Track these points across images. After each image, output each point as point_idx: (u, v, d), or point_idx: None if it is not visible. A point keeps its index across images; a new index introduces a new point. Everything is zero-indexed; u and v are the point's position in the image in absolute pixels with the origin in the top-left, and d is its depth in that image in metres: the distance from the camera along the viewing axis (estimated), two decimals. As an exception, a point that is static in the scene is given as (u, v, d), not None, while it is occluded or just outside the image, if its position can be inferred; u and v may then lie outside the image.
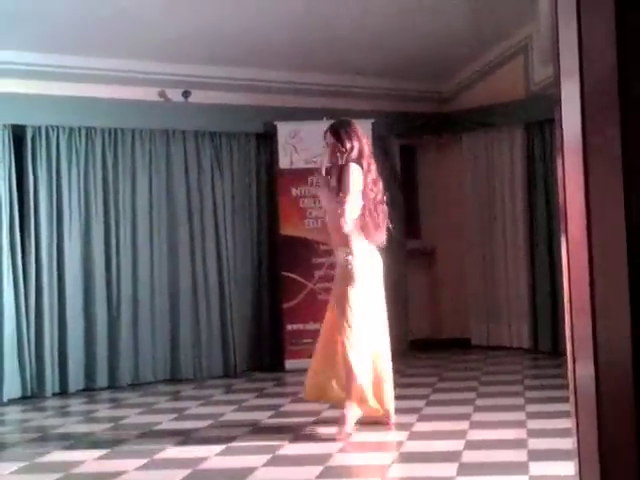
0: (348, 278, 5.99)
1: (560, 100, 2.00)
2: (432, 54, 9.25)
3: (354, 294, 5.94)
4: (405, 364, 8.97)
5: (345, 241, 6.05)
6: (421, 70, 9.65)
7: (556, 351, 8.74)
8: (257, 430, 6.10)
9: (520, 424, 5.80)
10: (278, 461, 5.18)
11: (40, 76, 8.05)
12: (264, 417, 6.53)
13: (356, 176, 6.02)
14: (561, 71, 1.97)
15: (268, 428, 6.16)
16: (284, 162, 9.12)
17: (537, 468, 4.68)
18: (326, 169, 6.21)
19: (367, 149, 6.16)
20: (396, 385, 7.66)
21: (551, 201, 9.09)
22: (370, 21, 8.41)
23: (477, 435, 5.54)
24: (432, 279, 10.31)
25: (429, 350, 9.61)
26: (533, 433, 5.50)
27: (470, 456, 5.02)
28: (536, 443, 5.23)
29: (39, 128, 8.08)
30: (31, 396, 7.82)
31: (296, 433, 5.87)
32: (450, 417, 6.17)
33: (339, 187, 6.05)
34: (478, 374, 8.10)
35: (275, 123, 9.12)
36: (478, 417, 6.11)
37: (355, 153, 6.08)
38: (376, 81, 9.67)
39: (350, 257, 6.01)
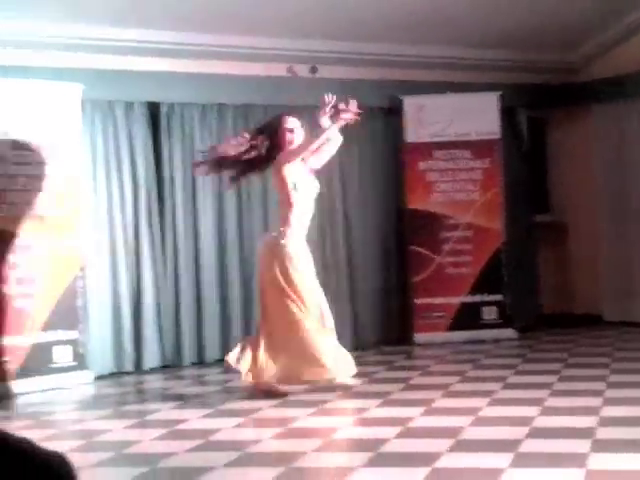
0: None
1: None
2: (561, 23, 9.08)
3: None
4: (536, 339, 8.93)
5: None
6: (549, 40, 9.48)
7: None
8: (388, 402, 6.18)
9: (655, 401, 5.71)
10: (410, 433, 5.25)
11: (174, 54, 8.27)
12: (394, 389, 6.61)
13: None
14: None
15: (398, 400, 6.23)
16: (410, 136, 9.14)
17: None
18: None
19: None
20: (527, 360, 7.67)
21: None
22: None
23: (611, 411, 5.48)
24: (563, 253, 10.17)
25: (559, 325, 9.51)
26: (669, 410, 5.42)
27: (604, 432, 4.98)
28: (672, 420, 5.16)
29: (173, 105, 8.31)
30: (170, 365, 8.13)
31: (427, 406, 5.93)
32: (583, 393, 6.12)
33: None
34: (610, 350, 7.99)
35: (401, 97, 9.14)
36: (612, 394, 6.04)
37: None
38: (503, 53, 9.56)
39: None
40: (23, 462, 1.02)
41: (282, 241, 6.43)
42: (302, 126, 6.69)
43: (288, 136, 6.58)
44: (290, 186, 6.48)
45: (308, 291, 6.45)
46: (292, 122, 6.65)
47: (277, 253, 6.44)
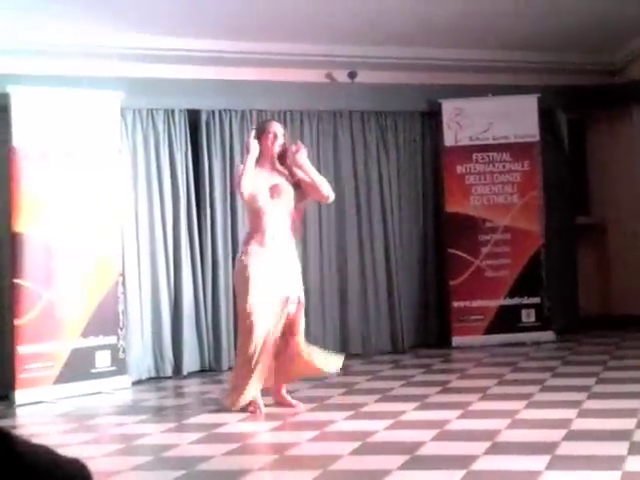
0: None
1: None
2: (600, 24, 9.02)
3: None
4: (575, 341, 8.89)
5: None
6: (588, 41, 9.42)
7: None
8: (425, 405, 6.19)
9: (695, 404, 5.67)
10: (447, 435, 5.26)
11: (214, 62, 8.35)
12: (432, 392, 6.62)
13: None
14: None
15: (436, 404, 6.24)
16: (449, 140, 9.15)
17: None
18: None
19: None
20: (565, 362, 7.63)
21: None
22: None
23: (650, 414, 5.45)
24: (603, 255, 10.10)
25: (599, 328, 9.45)
26: None
27: (642, 435, 4.96)
28: None
29: (213, 112, 8.40)
30: (209, 369, 8.21)
31: (464, 409, 5.93)
32: (621, 395, 6.07)
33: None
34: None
35: (440, 101, 9.14)
36: (651, 396, 6.00)
37: None
38: (541, 55, 9.52)
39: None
40: (42, 474, 1.04)
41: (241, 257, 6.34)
42: (284, 135, 6.49)
43: (269, 141, 6.35)
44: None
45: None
46: (275, 127, 6.44)
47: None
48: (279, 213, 6.27)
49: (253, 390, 6.20)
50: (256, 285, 6.11)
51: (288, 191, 6.34)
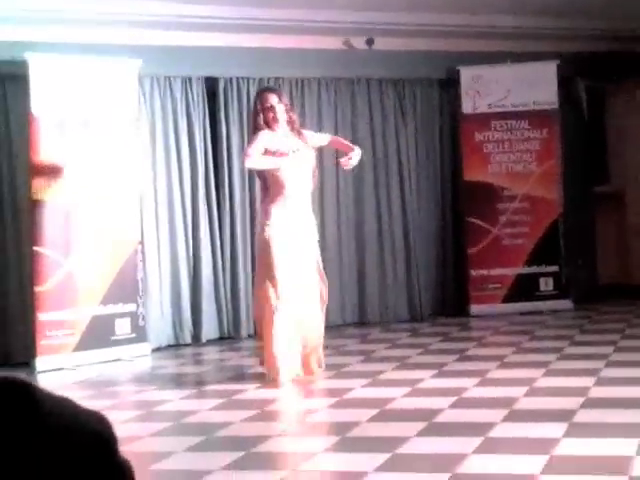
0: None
1: None
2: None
3: None
4: (593, 310, 8.87)
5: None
6: (608, 8, 9.31)
7: None
8: (442, 373, 6.21)
9: None
10: (464, 403, 5.28)
11: (231, 29, 8.31)
12: (449, 360, 6.64)
13: None
14: None
15: (454, 371, 6.26)
16: (467, 107, 9.09)
17: None
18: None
19: None
20: (583, 331, 7.64)
21: None
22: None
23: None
24: (621, 223, 10.05)
25: (618, 296, 9.43)
26: None
27: (660, 403, 4.96)
28: None
29: (230, 79, 8.38)
30: (227, 337, 8.26)
31: (482, 377, 5.95)
32: (639, 363, 6.08)
33: None
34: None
35: (458, 68, 9.09)
36: (669, 364, 6.01)
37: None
38: (561, 21, 9.41)
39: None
40: (60, 427, 1.05)
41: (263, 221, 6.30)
42: (282, 101, 6.31)
43: (269, 115, 6.22)
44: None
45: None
46: (269, 99, 6.26)
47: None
48: (299, 177, 6.21)
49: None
50: (278, 249, 6.06)
51: (307, 154, 6.29)
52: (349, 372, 6.44)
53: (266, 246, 6.08)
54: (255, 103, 6.41)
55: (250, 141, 6.36)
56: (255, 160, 6.13)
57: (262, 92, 6.46)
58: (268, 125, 6.23)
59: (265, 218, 6.18)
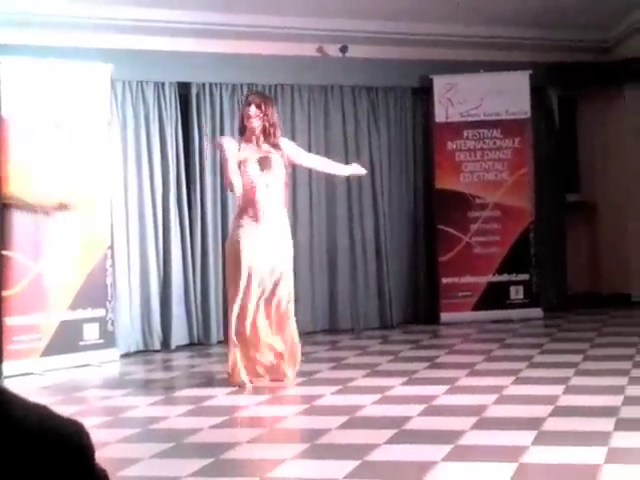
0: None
1: None
2: (593, 1, 8.99)
3: None
4: (563, 318, 8.92)
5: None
6: (581, 19, 9.39)
7: None
8: (413, 381, 6.21)
9: (681, 381, 5.70)
10: (434, 410, 5.28)
11: (204, 34, 8.29)
12: (420, 368, 6.64)
13: None
14: None
15: (424, 379, 6.26)
16: (440, 116, 9.12)
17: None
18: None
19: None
20: (553, 339, 7.68)
21: None
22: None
23: (636, 391, 5.47)
24: (592, 233, 10.12)
25: (588, 305, 9.48)
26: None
27: (628, 411, 4.97)
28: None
29: (203, 85, 8.36)
30: (197, 343, 8.21)
31: (452, 384, 5.95)
32: (608, 372, 6.10)
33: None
34: (638, 330, 7.95)
35: (431, 77, 9.12)
36: (637, 373, 6.02)
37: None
38: (534, 31, 9.48)
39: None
40: (34, 432, 1.03)
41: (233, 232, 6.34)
42: (262, 110, 6.22)
43: (245, 122, 6.27)
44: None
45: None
46: (247, 107, 6.25)
47: None
48: (270, 186, 6.20)
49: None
50: (246, 261, 6.05)
51: (278, 163, 6.25)
52: (319, 379, 6.42)
53: (235, 254, 6.07)
54: (240, 109, 6.45)
55: (222, 159, 6.33)
56: (238, 185, 6.13)
57: (246, 97, 6.53)
58: (243, 130, 6.27)
59: (234, 227, 6.22)
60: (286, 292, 6.23)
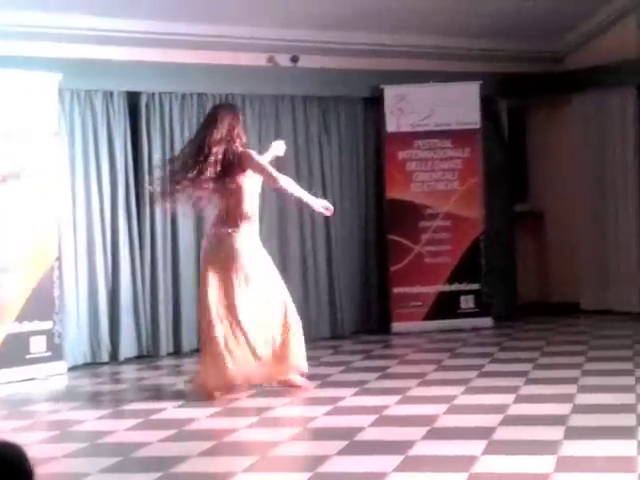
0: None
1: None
2: (542, 13, 9.09)
3: None
4: (513, 327, 8.98)
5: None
6: (530, 30, 9.49)
7: (668, 316, 8.60)
8: (364, 391, 6.19)
9: (629, 389, 5.75)
10: (385, 421, 5.27)
11: (154, 43, 8.23)
12: (371, 378, 6.63)
13: None
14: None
15: (375, 389, 6.25)
16: (391, 126, 9.15)
17: (646, 433, 4.65)
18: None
19: None
20: (503, 348, 7.72)
21: (664, 163, 8.90)
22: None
23: (585, 399, 5.52)
24: (541, 242, 10.22)
25: (537, 314, 9.56)
26: (642, 398, 5.46)
27: (577, 420, 5.01)
28: (645, 408, 5.19)
29: (153, 95, 8.29)
30: (146, 355, 8.13)
31: (403, 394, 5.95)
32: (558, 381, 6.15)
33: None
34: (587, 338, 8.04)
35: (382, 87, 9.14)
36: (586, 381, 6.08)
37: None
38: (484, 42, 9.57)
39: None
40: None
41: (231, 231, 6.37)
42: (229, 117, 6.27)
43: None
44: None
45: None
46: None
47: None
48: (253, 197, 6.36)
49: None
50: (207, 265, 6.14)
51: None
52: (270, 390, 6.37)
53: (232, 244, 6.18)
54: (238, 119, 6.36)
55: (260, 160, 6.31)
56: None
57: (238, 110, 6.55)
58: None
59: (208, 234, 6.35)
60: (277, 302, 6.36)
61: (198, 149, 6.14)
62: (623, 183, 9.47)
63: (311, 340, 8.62)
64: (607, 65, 9.38)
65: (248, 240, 6.23)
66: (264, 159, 6.42)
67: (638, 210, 9.34)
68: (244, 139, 6.33)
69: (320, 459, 4.48)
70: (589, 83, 9.61)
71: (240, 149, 6.20)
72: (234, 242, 6.16)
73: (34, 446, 4.98)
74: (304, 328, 8.72)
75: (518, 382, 6.13)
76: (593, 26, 9.61)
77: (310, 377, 6.75)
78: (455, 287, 9.08)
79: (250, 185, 6.27)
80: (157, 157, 8.23)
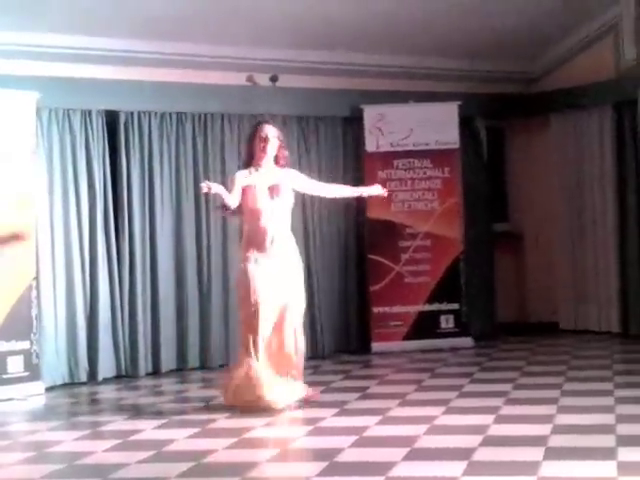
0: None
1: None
2: (519, 34, 9.16)
3: None
4: (493, 347, 8.98)
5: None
6: (508, 51, 9.56)
7: (647, 336, 8.64)
8: (344, 412, 6.17)
9: (609, 409, 5.75)
10: (365, 442, 5.24)
11: (132, 62, 8.23)
12: (351, 399, 6.60)
13: None
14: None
15: (355, 410, 6.22)
16: (370, 145, 9.16)
17: (625, 454, 4.64)
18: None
19: None
20: (483, 368, 7.72)
21: (642, 183, 8.96)
22: (456, 1, 8.40)
23: (564, 420, 5.51)
24: (520, 262, 10.25)
25: (517, 334, 9.57)
26: (622, 418, 5.45)
27: (557, 440, 5.00)
28: (624, 429, 5.18)
29: (131, 114, 8.27)
30: (125, 375, 8.07)
31: (383, 415, 5.92)
32: (537, 401, 6.14)
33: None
34: (567, 358, 8.05)
35: (361, 106, 9.16)
36: (566, 402, 6.08)
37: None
38: (462, 63, 9.62)
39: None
40: None
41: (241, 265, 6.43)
42: (278, 136, 6.45)
43: (260, 145, 6.38)
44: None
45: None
46: (267, 130, 6.41)
47: None
48: (278, 214, 6.29)
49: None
50: (256, 290, 6.17)
51: (287, 190, 6.37)
52: (249, 410, 6.33)
53: (244, 279, 6.22)
54: (251, 133, 6.46)
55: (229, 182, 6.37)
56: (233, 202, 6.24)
57: (262, 124, 6.52)
58: (253, 156, 6.35)
59: (243, 253, 6.32)
60: (290, 324, 6.41)
61: None
62: (602, 202, 9.52)
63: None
64: (585, 85, 9.45)
65: None
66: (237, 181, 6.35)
67: (617, 230, 9.38)
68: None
69: (300, 480, 4.45)
70: (567, 103, 9.68)
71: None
72: None
73: (11, 467, 4.93)
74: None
75: (498, 402, 6.12)
76: (570, 48, 9.69)
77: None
78: (435, 307, 9.08)
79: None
80: (136, 175, 8.21)
